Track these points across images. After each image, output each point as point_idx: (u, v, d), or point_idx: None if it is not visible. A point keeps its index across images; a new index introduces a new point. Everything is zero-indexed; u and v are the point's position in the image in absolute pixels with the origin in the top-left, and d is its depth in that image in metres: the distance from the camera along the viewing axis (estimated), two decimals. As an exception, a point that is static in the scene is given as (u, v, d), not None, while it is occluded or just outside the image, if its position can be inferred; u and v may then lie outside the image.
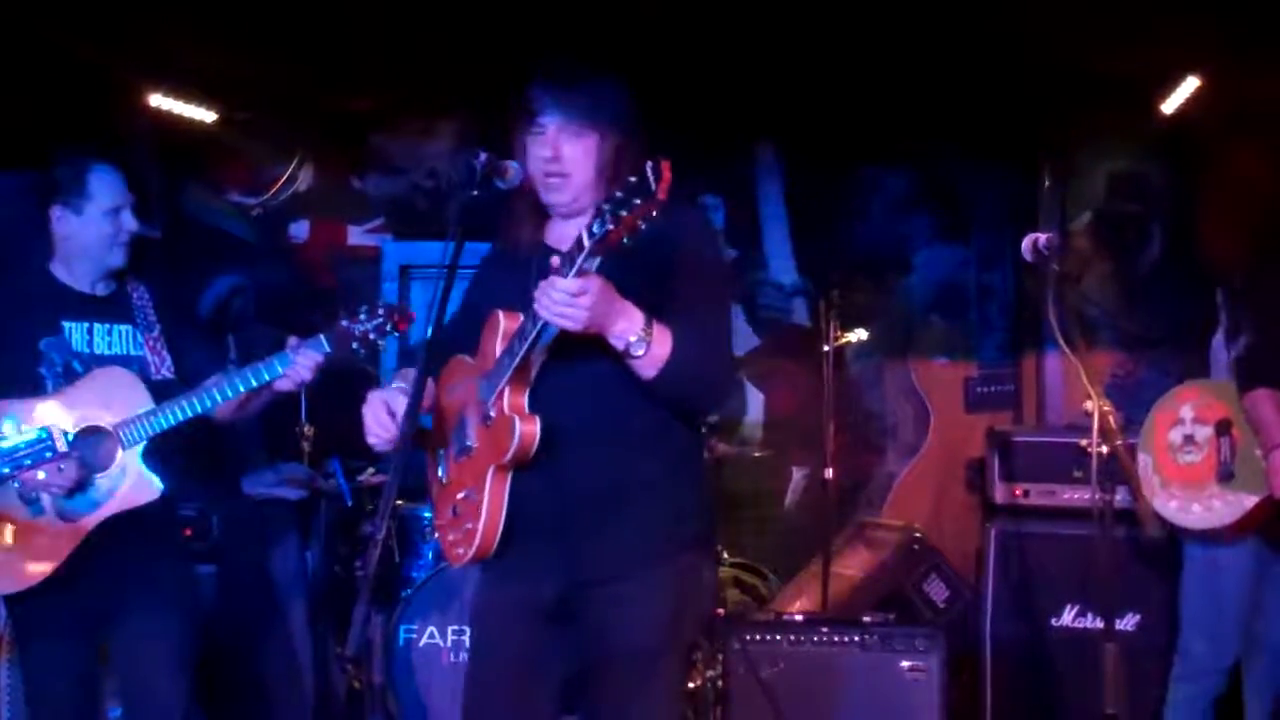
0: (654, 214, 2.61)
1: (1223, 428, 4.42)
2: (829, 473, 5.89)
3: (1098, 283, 6.64)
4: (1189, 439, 4.38)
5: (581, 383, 2.98)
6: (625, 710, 3.07)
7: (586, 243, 2.68)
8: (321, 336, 3.60)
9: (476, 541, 2.97)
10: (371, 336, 3.56)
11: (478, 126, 6.45)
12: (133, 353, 3.83)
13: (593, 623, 3.06)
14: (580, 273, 2.74)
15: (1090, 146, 6.55)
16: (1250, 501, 4.30)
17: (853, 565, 5.95)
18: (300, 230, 6.79)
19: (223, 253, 6.55)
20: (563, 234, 3.10)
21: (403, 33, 5.65)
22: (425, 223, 6.70)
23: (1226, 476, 4.36)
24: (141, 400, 3.67)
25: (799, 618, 5.16)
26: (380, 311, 3.56)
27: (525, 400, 2.96)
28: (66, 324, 3.80)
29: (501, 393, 2.96)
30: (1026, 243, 4.06)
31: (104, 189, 3.83)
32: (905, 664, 4.76)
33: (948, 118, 6.25)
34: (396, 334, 3.61)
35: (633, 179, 2.60)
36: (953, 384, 6.83)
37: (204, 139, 6.43)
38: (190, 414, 3.65)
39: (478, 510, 2.98)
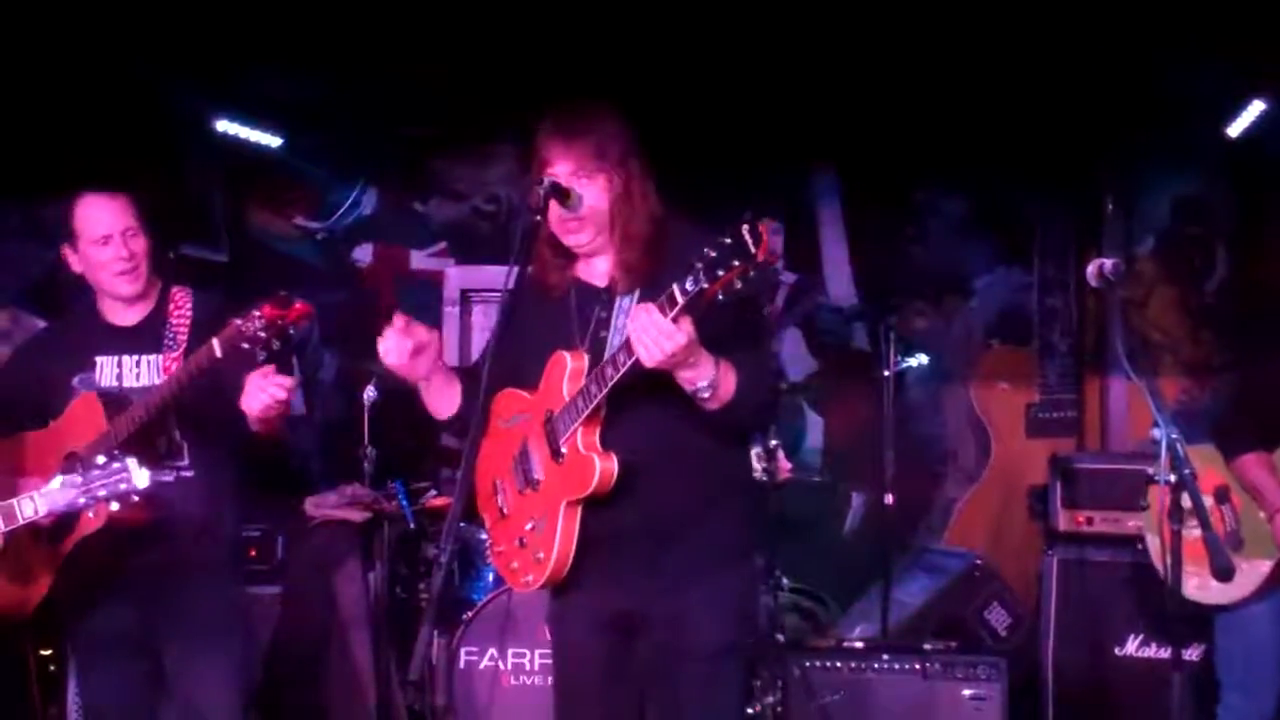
0: (751, 274, 2.71)
1: (1222, 495, 4.34)
2: (889, 498, 5.86)
3: (1162, 307, 6.58)
4: (1190, 513, 4.11)
5: (641, 416, 3.09)
6: (693, 707, 3.19)
7: (680, 299, 2.78)
8: (214, 340, 3.50)
9: (547, 571, 3.12)
10: (262, 334, 3.46)
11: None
12: (156, 382, 3.74)
13: (664, 629, 3.18)
14: (676, 319, 2.83)
15: (1155, 169, 6.50)
16: (1266, 566, 4.23)
17: (913, 592, 5.92)
18: (364, 254, 6.85)
19: (287, 276, 6.60)
20: (591, 271, 3.25)
21: (465, 58, 5.71)
22: (486, 247, 6.74)
23: (1237, 545, 4.27)
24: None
25: (859, 644, 5.14)
26: (265, 308, 3.46)
27: (598, 438, 3.07)
28: (99, 359, 3.79)
29: (575, 432, 3.06)
30: (1092, 268, 4.03)
31: (88, 221, 3.76)
32: (967, 692, 4.72)
33: (1009, 140, 6.21)
34: (294, 329, 3.51)
35: (728, 240, 2.69)
36: (1014, 409, 6.77)
37: (270, 164, 6.51)
38: None
39: (549, 542, 3.10)
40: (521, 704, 4.89)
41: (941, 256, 6.79)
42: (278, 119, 6.32)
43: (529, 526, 3.17)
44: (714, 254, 2.70)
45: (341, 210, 6.76)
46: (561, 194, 3.10)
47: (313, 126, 6.39)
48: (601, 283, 3.20)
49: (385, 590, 5.20)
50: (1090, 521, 5.34)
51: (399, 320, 3.22)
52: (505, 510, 3.29)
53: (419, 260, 6.87)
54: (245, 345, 3.48)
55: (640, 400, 3.06)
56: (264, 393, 3.54)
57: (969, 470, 6.80)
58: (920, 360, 6.12)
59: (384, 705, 5.08)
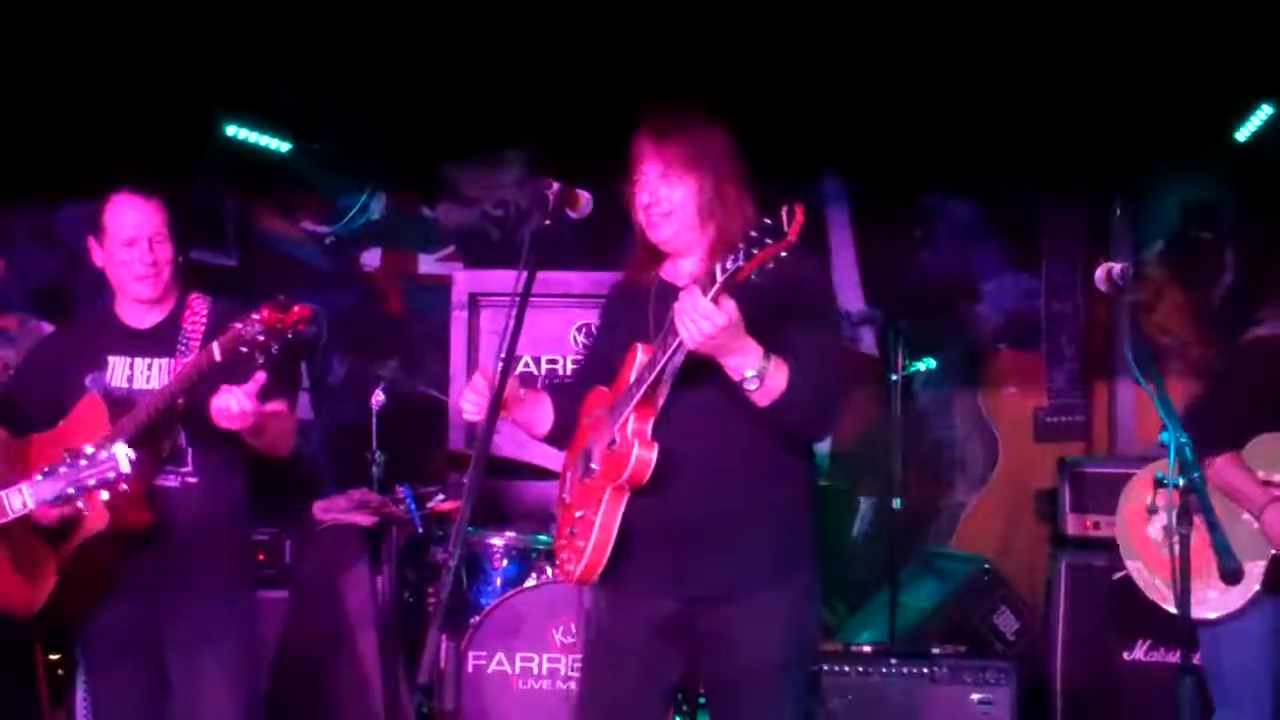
0: (783, 254, 2.78)
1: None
2: (896, 503, 5.87)
3: (1170, 311, 6.57)
4: (1167, 530, 3.93)
5: (699, 411, 3.14)
6: None
7: (719, 276, 2.83)
8: (214, 344, 3.52)
9: (585, 559, 3.13)
10: (261, 337, 3.49)
11: (548, 156, 6.50)
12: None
13: (711, 640, 3.21)
14: (716, 298, 2.88)
15: (1162, 174, 6.49)
16: (1260, 566, 4.15)
17: (921, 596, 5.92)
18: (372, 258, 6.85)
19: (296, 280, 6.62)
20: (676, 271, 3.32)
21: (474, 63, 5.72)
22: (495, 252, 6.75)
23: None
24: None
25: (867, 649, 5.14)
26: (263, 311, 3.48)
27: (649, 427, 3.11)
28: (111, 359, 3.80)
29: (626, 419, 3.10)
30: (1100, 272, 4.01)
31: (117, 220, 3.77)
32: (975, 696, 4.72)
33: (1017, 145, 6.21)
34: (293, 332, 3.52)
35: (768, 221, 2.77)
36: (1022, 414, 6.76)
37: (278, 168, 6.53)
38: None
39: (589, 529, 3.13)
40: (530, 708, 4.88)
41: (949, 261, 6.79)
42: (287, 124, 6.34)
43: (578, 515, 3.22)
44: (754, 234, 2.77)
45: (350, 215, 6.77)
46: (570, 198, 3.13)
47: (321, 131, 6.40)
48: (683, 283, 3.21)
49: (393, 594, 5.21)
50: (1098, 526, 5.33)
51: (479, 380, 3.26)
52: (567, 499, 3.35)
53: (427, 264, 6.87)
54: (244, 349, 3.49)
55: (700, 396, 3.11)
56: (221, 402, 3.53)
57: (977, 474, 6.79)
58: (928, 364, 6.12)
59: (391, 709, 5.09)
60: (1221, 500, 4.20)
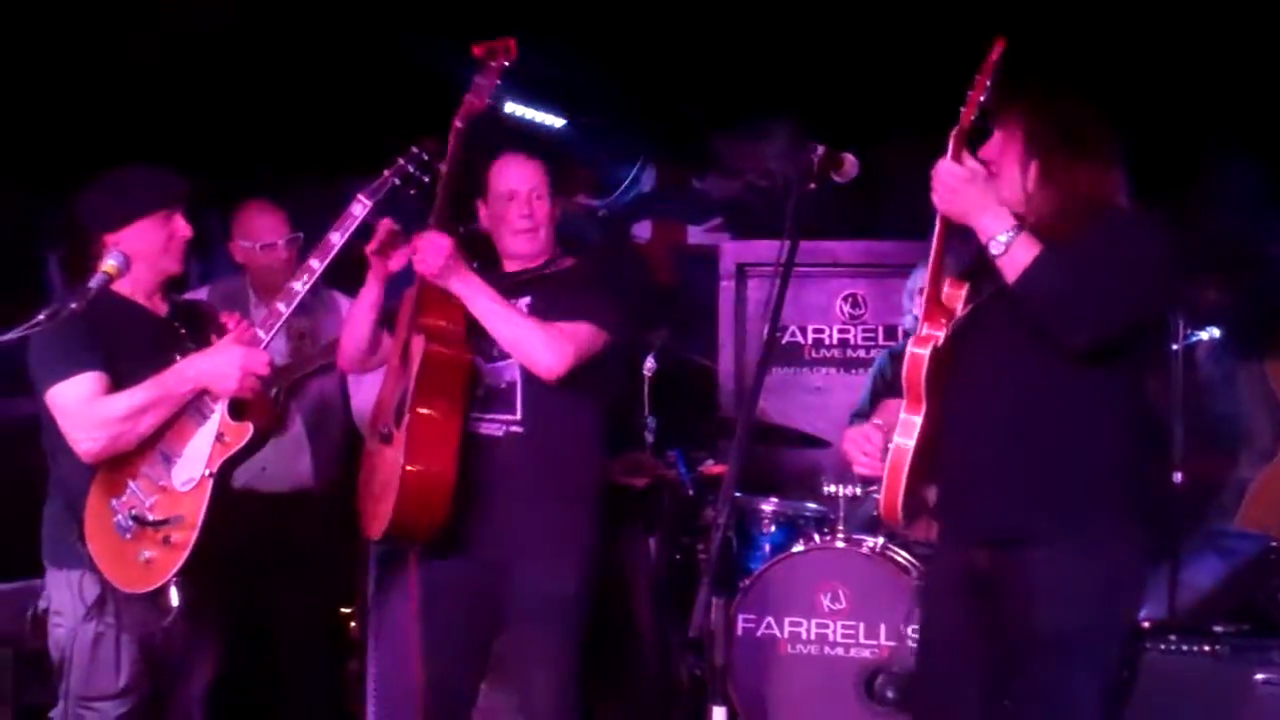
0: (989, 89, 3.05)
1: None
2: (1177, 477, 5.69)
3: None
4: None
5: (991, 352, 3.15)
6: (1031, 700, 3.12)
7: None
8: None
9: (882, 500, 3.14)
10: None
11: (813, 125, 6.51)
12: None
13: (1016, 596, 3.11)
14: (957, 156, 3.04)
15: None
16: None
17: (1203, 574, 5.73)
18: (643, 230, 7.00)
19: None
20: None
21: (739, 34, 5.77)
22: (761, 222, 6.80)
23: None
24: None
25: (1145, 624, 5.01)
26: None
27: (943, 334, 3.14)
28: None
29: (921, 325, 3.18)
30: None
31: (501, 177, 3.99)
32: (1260, 676, 4.54)
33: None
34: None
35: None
36: (1315, 386, 6.45)
37: (553, 143, 6.72)
38: None
39: (886, 461, 3.16)
40: (797, 674, 4.95)
41: (1235, 226, 6.51)
42: (560, 99, 6.51)
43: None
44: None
45: (622, 188, 6.93)
46: (835, 161, 3.13)
47: (594, 106, 6.56)
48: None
49: (665, 555, 5.34)
50: (1397, 502, 5.06)
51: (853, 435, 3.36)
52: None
53: (696, 235, 6.98)
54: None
55: (990, 337, 3.14)
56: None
57: (1264, 450, 6.50)
58: (1211, 334, 5.90)
59: (664, 664, 5.22)
60: None
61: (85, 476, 3.56)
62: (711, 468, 5.48)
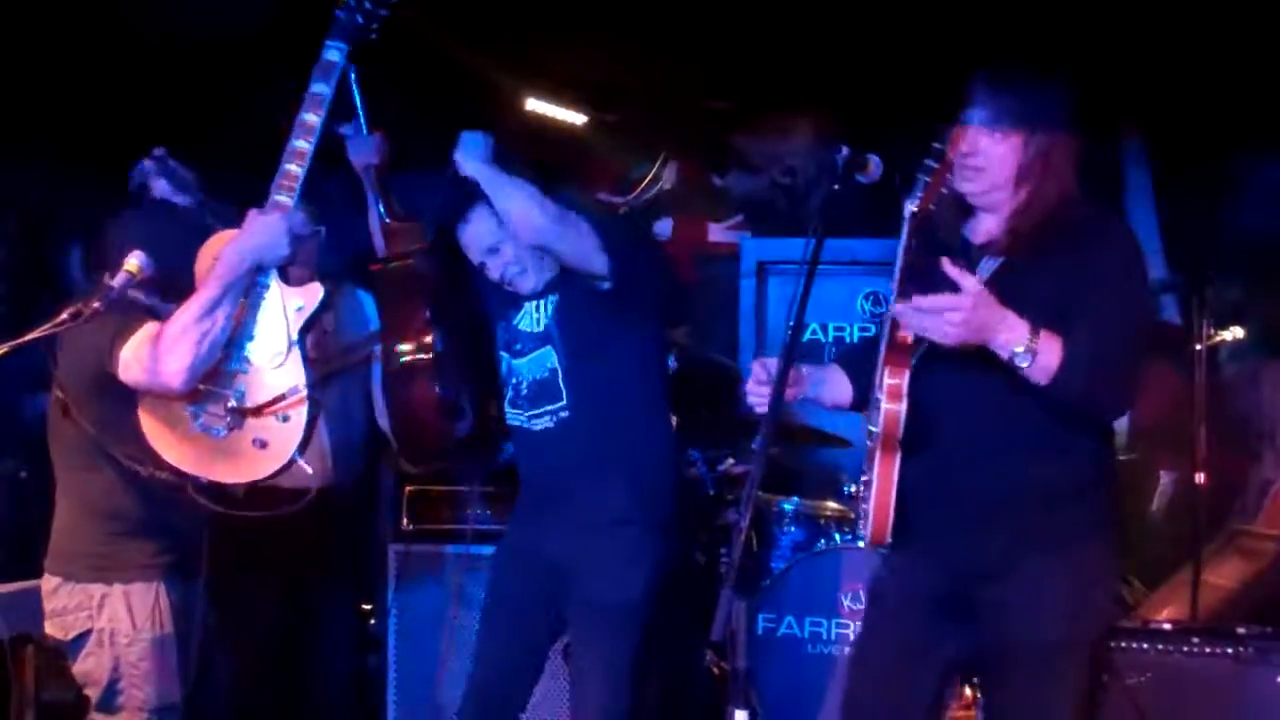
0: (948, 177, 2.94)
1: None
2: (1200, 477, 5.66)
3: None
4: None
5: (974, 384, 3.07)
6: (1022, 705, 3.15)
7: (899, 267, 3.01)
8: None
9: (871, 522, 3.11)
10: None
11: (836, 124, 6.49)
12: None
13: (989, 617, 3.14)
14: (953, 286, 2.89)
15: None
16: None
17: (1225, 575, 5.69)
18: (664, 228, 7.00)
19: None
20: (977, 226, 3.24)
21: (762, 31, 5.75)
22: (783, 220, 6.78)
23: None
24: None
25: (1167, 626, 4.98)
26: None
27: (903, 382, 3.06)
28: None
29: (881, 375, 3.09)
30: None
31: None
32: (1283, 679, 4.53)
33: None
34: None
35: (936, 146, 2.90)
36: (1339, 386, 6.41)
37: (575, 141, 6.72)
38: None
39: (870, 491, 3.11)
40: (818, 674, 4.94)
41: (1259, 225, 6.48)
42: (582, 96, 6.51)
43: (864, 478, 3.21)
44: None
45: (643, 185, 6.92)
46: (859, 163, 3.12)
47: (616, 104, 6.55)
48: (979, 240, 3.20)
49: (684, 555, 5.32)
50: None
51: (759, 370, 3.27)
52: (865, 466, 3.33)
53: (717, 233, 6.97)
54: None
55: (969, 367, 3.04)
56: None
57: (1288, 450, 6.48)
58: (1235, 334, 5.87)
59: (685, 664, 5.21)
60: None
61: (107, 478, 3.56)
62: (732, 468, 5.48)
